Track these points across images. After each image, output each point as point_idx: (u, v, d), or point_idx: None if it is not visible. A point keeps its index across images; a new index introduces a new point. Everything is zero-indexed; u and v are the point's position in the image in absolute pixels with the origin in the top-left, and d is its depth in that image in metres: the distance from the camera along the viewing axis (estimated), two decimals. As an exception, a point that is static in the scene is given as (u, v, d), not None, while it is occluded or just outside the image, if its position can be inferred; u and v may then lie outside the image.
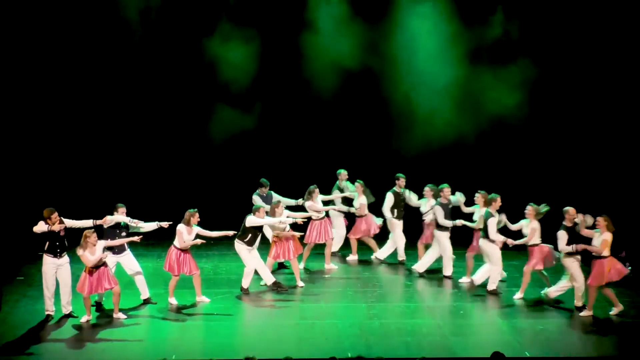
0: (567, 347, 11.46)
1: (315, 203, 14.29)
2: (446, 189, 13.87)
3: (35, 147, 17.28)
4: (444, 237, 13.89)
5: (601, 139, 17.71)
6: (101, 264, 11.81)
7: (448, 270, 14.15)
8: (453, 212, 14.04)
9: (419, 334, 11.67)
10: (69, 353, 10.94)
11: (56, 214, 11.88)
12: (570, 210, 12.44)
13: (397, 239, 14.92)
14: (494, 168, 17.29)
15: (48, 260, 11.96)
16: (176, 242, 12.64)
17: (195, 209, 12.67)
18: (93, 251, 11.71)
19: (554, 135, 17.92)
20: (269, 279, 13.49)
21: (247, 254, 13.27)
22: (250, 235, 13.17)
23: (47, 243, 11.93)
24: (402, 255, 15.01)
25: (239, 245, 13.29)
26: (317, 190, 14.36)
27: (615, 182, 17.42)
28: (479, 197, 13.73)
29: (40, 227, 11.84)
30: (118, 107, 17.53)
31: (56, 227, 11.80)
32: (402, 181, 14.65)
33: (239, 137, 17.82)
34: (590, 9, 17.22)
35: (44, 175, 17.28)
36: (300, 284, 13.72)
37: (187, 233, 12.57)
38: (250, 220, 13.09)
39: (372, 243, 15.21)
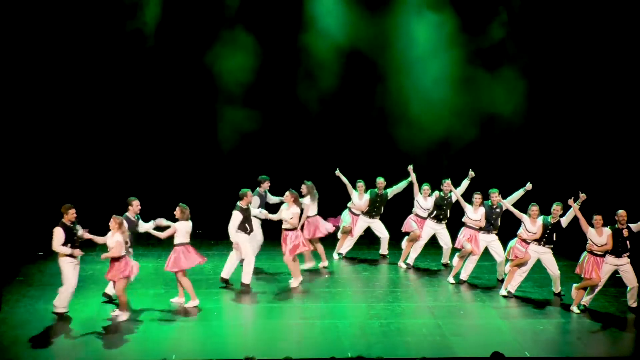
0: (567, 347, 11.48)
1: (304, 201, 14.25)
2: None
3: (36, 148, 17.25)
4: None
5: (598, 138, 17.72)
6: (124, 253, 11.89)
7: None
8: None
9: (419, 334, 11.68)
10: (69, 353, 10.93)
11: (73, 210, 11.93)
12: (621, 212, 12.59)
13: (421, 242, 14.85)
14: (492, 168, 17.28)
15: (67, 260, 11.97)
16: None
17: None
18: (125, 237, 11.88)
19: (552, 135, 17.94)
20: (247, 277, 13.51)
21: (247, 243, 13.31)
22: (242, 223, 13.24)
23: (68, 245, 11.96)
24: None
25: (240, 236, 13.31)
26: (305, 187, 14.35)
27: (613, 181, 17.42)
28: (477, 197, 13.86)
29: (59, 238, 11.84)
30: (123, 110, 17.49)
31: (83, 234, 12.03)
32: (446, 185, 14.44)
33: (244, 138, 17.83)
34: (587, 11, 17.23)
35: (45, 175, 17.25)
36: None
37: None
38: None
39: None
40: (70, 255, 11.97)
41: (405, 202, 15.17)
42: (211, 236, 16.21)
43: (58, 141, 17.34)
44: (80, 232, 12.10)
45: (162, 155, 17.76)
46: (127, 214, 12.64)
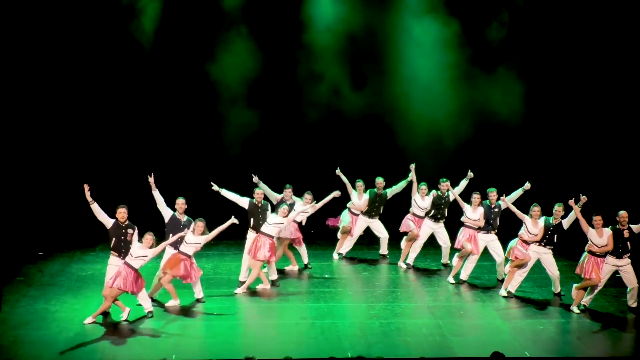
0: (567, 347, 11.48)
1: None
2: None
3: (37, 150, 17.25)
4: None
5: (599, 139, 17.73)
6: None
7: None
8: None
9: (419, 334, 11.67)
10: (69, 353, 10.90)
11: (120, 210, 11.98)
12: (622, 213, 12.58)
13: (420, 241, 14.85)
14: (491, 168, 17.31)
15: (112, 261, 12.02)
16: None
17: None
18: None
19: (552, 135, 17.95)
20: (243, 275, 13.60)
21: (250, 241, 13.52)
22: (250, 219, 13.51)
23: (113, 240, 12.04)
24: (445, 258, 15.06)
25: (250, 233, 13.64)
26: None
27: (614, 182, 17.42)
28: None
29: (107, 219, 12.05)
30: (122, 112, 17.51)
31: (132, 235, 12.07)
32: (444, 185, 14.47)
33: (246, 139, 17.82)
34: (586, 13, 17.25)
35: (45, 176, 17.26)
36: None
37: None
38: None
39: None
40: (115, 254, 12.01)
41: (403, 202, 15.15)
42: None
43: (60, 144, 17.33)
44: (130, 236, 12.04)
45: (164, 157, 17.73)
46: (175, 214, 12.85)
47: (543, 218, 13.12)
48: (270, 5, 17.56)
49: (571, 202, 12.80)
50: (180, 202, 12.87)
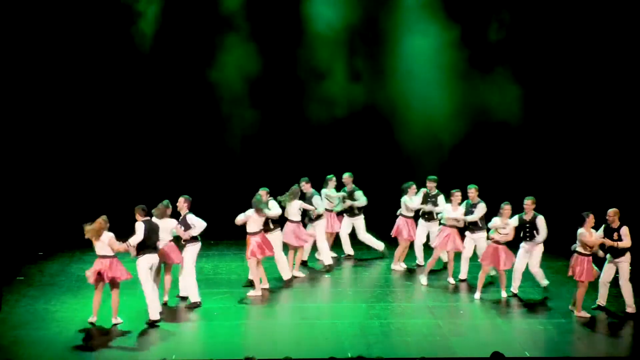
0: (567, 347, 11.49)
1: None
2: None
3: (37, 150, 17.25)
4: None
5: (595, 140, 17.72)
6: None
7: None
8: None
9: (419, 334, 11.69)
10: (69, 353, 10.92)
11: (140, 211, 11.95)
12: (609, 211, 12.37)
13: (419, 241, 14.84)
14: (488, 167, 17.33)
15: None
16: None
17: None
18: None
19: (548, 136, 17.95)
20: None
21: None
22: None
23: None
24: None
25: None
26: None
27: (611, 181, 17.42)
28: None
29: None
30: (121, 113, 17.49)
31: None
32: (431, 184, 14.43)
33: (246, 140, 17.84)
34: (583, 12, 17.25)
35: (45, 176, 17.25)
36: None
37: None
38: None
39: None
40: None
41: (395, 205, 15.04)
42: (211, 236, 16.20)
43: (61, 146, 17.31)
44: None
45: (165, 160, 17.72)
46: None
47: (517, 216, 12.99)
48: (269, 4, 17.54)
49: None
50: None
